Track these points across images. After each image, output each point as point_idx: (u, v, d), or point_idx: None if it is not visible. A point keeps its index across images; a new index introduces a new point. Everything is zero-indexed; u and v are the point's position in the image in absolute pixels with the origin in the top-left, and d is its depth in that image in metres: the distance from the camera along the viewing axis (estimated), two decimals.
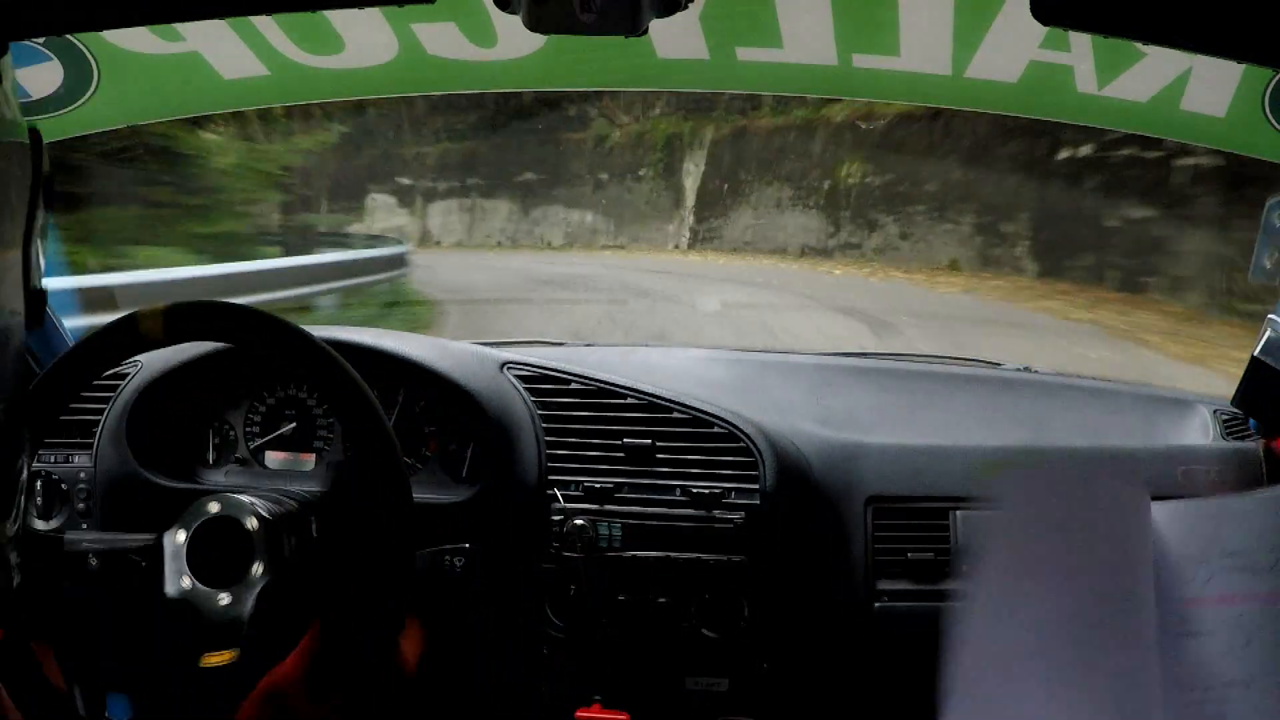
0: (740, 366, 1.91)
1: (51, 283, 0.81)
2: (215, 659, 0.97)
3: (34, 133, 0.76)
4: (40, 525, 1.42)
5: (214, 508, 1.03)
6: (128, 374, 1.50)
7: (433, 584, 1.24)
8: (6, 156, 0.72)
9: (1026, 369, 2.03)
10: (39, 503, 1.43)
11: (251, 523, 1.03)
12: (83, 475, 1.46)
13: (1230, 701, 1.00)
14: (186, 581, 1.00)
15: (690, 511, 1.43)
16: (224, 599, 1.00)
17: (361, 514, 1.16)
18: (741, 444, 1.47)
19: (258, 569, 1.01)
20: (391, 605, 1.07)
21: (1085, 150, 10.69)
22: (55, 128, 1.47)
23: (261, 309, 1.11)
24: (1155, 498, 1.53)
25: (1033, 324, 9.25)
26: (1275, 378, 1.53)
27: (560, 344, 1.98)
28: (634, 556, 1.43)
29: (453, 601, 1.40)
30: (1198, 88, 1.36)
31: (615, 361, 1.78)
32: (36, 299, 0.76)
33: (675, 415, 1.51)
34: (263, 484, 1.37)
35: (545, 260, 15.57)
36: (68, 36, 1.37)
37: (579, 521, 1.43)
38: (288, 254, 10.54)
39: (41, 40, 1.35)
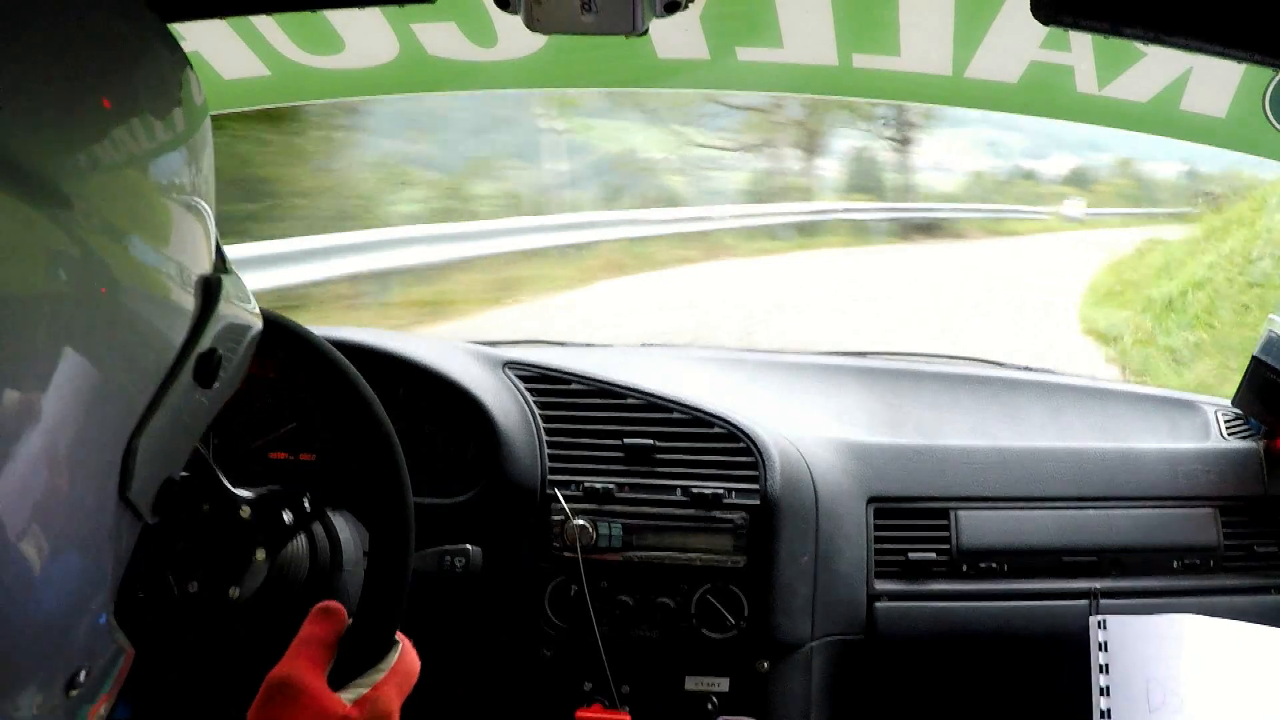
0: (740, 366, 1.91)
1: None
2: None
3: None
4: None
5: (206, 506, 1.03)
6: None
7: (433, 585, 1.24)
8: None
9: (1027, 369, 2.03)
10: None
11: (245, 511, 1.02)
12: None
13: None
14: (194, 586, 1.00)
15: (690, 511, 1.43)
16: (234, 592, 1.00)
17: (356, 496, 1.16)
18: (742, 444, 1.47)
19: (260, 554, 1.01)
20: (393, 606, 1.07)
21: None
22: None
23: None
24: (1155, 498, 1.56)
25: None
26: (1275, 377, 1.53)
27: (561, 344, 1.98)
28: (634, 556, 1.43)
29: (453, 602, 1.40)
30: (1198, 88, 1.36)
31: (615, 361, 1.78)
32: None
33: (675, 415, 1.51)
34: (263, 484, 1.37)
35: None
36: None
37: (579, 521, 1.43)
38: None
39: None
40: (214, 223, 0.68)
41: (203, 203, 0.66)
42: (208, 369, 0.65)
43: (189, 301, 0.64)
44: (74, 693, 0.60)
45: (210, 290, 0.66)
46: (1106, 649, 1.32)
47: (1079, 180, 17.64)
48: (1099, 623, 1.34)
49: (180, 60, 0.66)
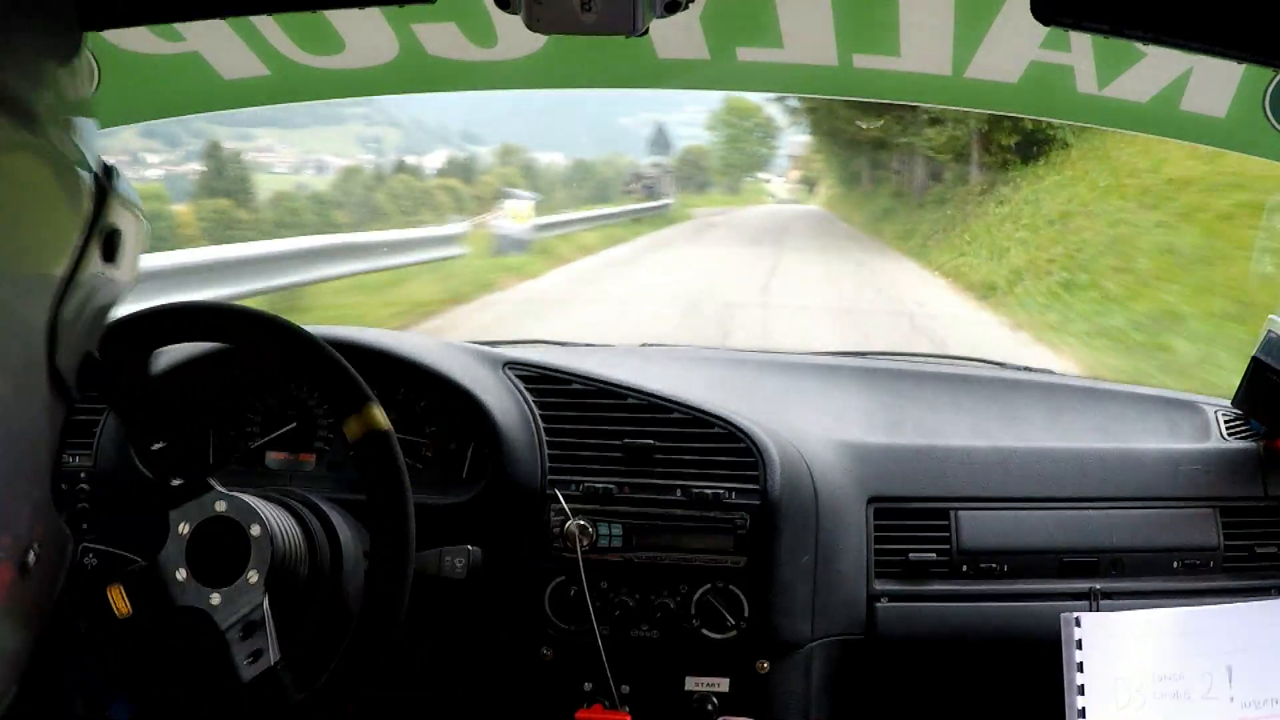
0: (740, 366, 1.91)
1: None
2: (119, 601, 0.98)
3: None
4: None
5: (220, 506, 1.04)
6: None
7: (433, 585, 1.24)
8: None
9: (1028, 369, 2.03)
10: None
11: (255, 530, 1.03)
12: (82, 475, 1.45)
13: None
14: (182, 574, 1.00)
15: (690, 512, 1.43)
16: (215, 598, 1.00)
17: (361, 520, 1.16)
18: (742, 444, 1.47)
19: (252, 575, 1.01)
20: (394, 607, 1.07)
21: None
22: None
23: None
24: (1155, 498, 1.55)
25: None
26: (1275, 378, 1.53)
27: (561, 344, 1.98)
28: (634, 556, 1.43)
29: (453, 602, 1.40)
30: (1198, 88, 1.36)
31: (615, 361, 1.78)
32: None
33: (675, 415, 1.51)
34: (263, 484, 1.37)
35: None
36: None
37: (579, 521, 1.43)
38: None
39: None
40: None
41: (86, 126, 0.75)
42: (112, 246, 0.73)
43: (89, 182, 0.72)
44: (28, 579, 0.64)
45: (105, 175, 0.75)
46: (1082, 646, 1.32)
47: (463, 171, 16.54)
48: (1075, 620, 1.34)
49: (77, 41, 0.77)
